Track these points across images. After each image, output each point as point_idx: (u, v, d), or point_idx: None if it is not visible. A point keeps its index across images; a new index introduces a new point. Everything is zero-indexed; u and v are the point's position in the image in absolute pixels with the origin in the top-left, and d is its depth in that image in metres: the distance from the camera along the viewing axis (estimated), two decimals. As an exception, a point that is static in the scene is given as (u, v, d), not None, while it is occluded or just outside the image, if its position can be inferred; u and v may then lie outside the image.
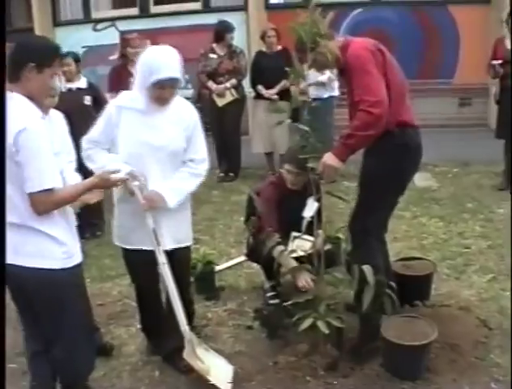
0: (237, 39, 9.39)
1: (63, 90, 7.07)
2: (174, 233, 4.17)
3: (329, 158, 4.02)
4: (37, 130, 3.22)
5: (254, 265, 5.95)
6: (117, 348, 4.70)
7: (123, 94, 4.14)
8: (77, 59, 7.23)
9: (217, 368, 4.04)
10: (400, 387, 3.92)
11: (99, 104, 7.21)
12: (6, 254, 3.34)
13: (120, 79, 7.67)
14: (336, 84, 8.33)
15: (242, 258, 6.17)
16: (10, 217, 3.31)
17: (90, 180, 3.58)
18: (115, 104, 4.10)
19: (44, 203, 3.27)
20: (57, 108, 6.79)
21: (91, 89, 7.25)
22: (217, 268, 5.77)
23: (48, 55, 3.38)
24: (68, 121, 6.81)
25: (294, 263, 4.62)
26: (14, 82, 3.31)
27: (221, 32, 8.71)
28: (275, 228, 4.80)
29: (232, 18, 9.60)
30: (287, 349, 4.43)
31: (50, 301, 3.45)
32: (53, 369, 3.72)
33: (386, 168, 4.14)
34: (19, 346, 4.40)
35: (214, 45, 8.78)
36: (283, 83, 8.60)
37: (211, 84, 8.77)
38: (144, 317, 4.54)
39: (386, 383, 3.97)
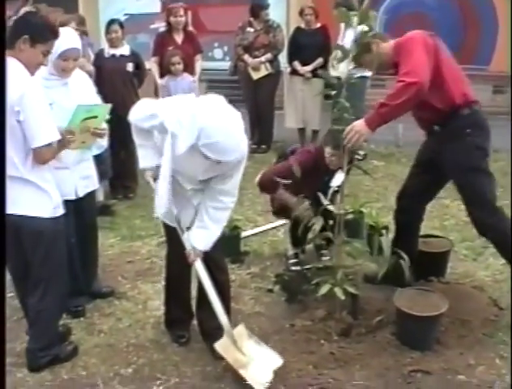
0: (277, 14, 9.49)
1: (106, 56, 7.30)
2: None
3: (358, 124, 4.14)
4: (36, 93, 3.65)
5: (279, 233, 6.18)
6: (142, 302, 4.96)
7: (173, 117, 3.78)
8: (122, 26, 7.42)
9: (261, 364, 3.94)
10: (409, 356, 4.09)
11: (140, 71, 7.46)
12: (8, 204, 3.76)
13: (163, 45, 7.88)
14: None
15: (268, 226, 6.38)
16: (9, 171, 3.72)
17: None
18: (162, 120, 3.82)
19: (44, 155, 3.77)
20: (100, 72, 7.06)
21: (134, 56, 7.43)
22: (243, 234, 5.97)
23: (43, 33, 3.71)
24: (110, 85, 7.09)
25: (294, 199, 4.77)
26: (11, 48, 3.66)
27: (256, 9, 8.82)
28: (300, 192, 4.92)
29: (274, -7, 9.69)
30: (304, 314, 4.61)
31: (38, 248, 3.89)
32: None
33: (471, 151, 4.29)
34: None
35: (251, 19, 8.89)
36: (319, 61, 8.72)
37: (246, 58, 8.90)
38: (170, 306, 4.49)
39: (395, 351, 4.14)
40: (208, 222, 3.96)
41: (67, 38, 4.40)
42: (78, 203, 4.66)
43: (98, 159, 6.24)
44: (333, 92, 4.40)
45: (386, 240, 4.31)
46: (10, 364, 4.14)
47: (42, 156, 3.75)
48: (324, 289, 4.25)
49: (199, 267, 4.03)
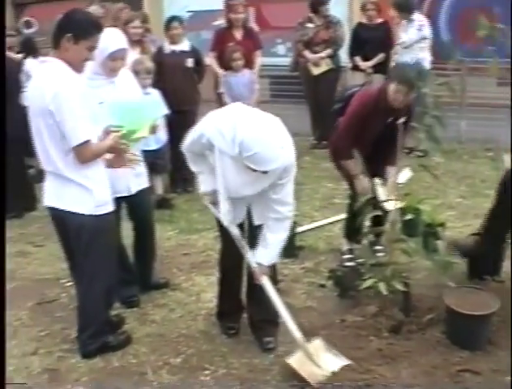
0: (339, 9, 9.45)
1: (167, 52, 7.41)
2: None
3: None
4: (69, 93, 3.69)
5: (335, 228, 6.17)
6: (195, 294, 5.05)
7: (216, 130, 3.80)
8: (181, 23, 7.51)
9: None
10: (458, 355, 4.04)
11: (200, 66, 7.56)
12: (51, 197, 3.94)
13: (222, 41, 7.95)
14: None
15: (324, 221, 6.38)
16: (47, 167, 3.88)
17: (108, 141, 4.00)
18: (208, 136, 3.84)
19: (83, 154, 3.82)
20: (160, 68, 7.18)
21: (194, 52, 7.52)
22: (299, 229, 5.98)
23: (86, 29, 3.78)
24: (171, 81, 7.20)
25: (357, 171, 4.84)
26: (56, 48, 3.78)
27: (316, 4, 8.78)
28: (351, 143, 5.02)
29: (335, -12, 9.63)
30: (355, 310, 4.61)
31: (80, 242, 3.97)
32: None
33: None
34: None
35: (311, 15, 8.84)
36: (381, 56, 8.65)
37: (307, 53, 8.86)
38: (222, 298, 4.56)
39: (444, 350, 4.10)
40: (270, 236, 3.98)
41: (115, 39, 4.51)
42: (133, 199, 4.77)
43: (157, 153, 6.39)
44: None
45: (442, 239, 4.26)
46: (64, 350, 4.31)
47: (81, 154, 3.81)
48: (367, 283, 4.26)
49: (267, 284, 4.06)
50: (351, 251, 5.41)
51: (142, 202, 4.89)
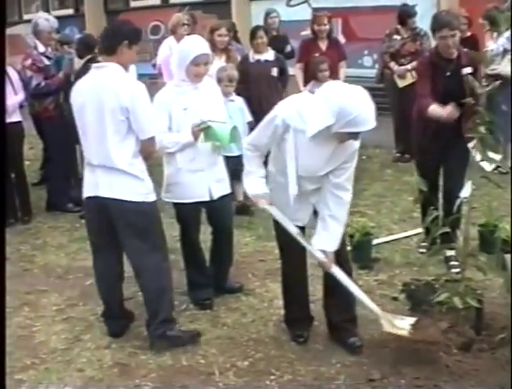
0: (426, 21, 9.31)
1: (252, 61, 7.53)
2: None
3: None
4: (144, 93, 4.21)
5: (412, 242, 6.11)
6: (268, 300, 5.10)
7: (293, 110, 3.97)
8: (266, 32, 7.62)
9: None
10: (528, 377, 3.94)
11: (283, 75, 7.65)
12: (102, 189, 4.26)
13: (308, 52, 8.01)
14: None
15: (402, 234, 6.34)
16: (98, 160, 4.24)
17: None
18: (283, 116, 3.97)
19: (149, 147, 4.32)
20: (245, 77, 7.29)
21: (278, 61, 7.64)
22: (375, 241, 5.96)
23: (136, 36, 4.40)
24: (256, 90, 7.34)
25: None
26: (110, 54, 4.27)
27: (403, 17, 8.72)
28: (429, 95, 5.17)
29: (423, 0, 9.54)
30: (427, 324, 4.56)
31: (136, 227, 4.26)
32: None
33: None
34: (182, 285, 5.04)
35: (398, 27, 8.80)
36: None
37: (392, 65, 8.82)
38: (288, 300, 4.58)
39: (514, 371, 4.01)
40: (331, 222, 4.05)
41: (197, 44, 4.66)
42: (213, 204, 4.87)
43: (239, 160, 6.46)
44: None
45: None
46: (136, 346, 4.46)
47: (148, 147, 4.30)
48: (441, 297, 4.21)
49: (336, 271, 4.14)
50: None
51: (223, 208, 4.97)
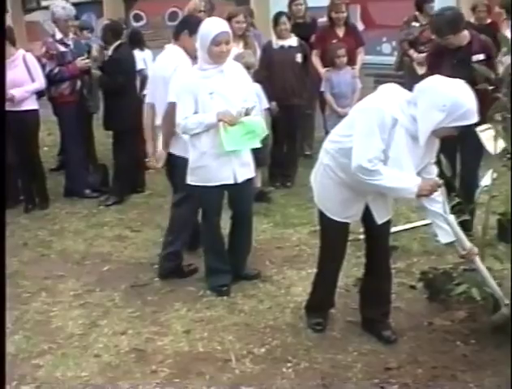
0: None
1: (275, 47, 7.50)
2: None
3: None
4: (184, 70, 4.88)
5: (430, 231, 6.06)
6: (285, 287, 5.09)
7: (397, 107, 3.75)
8: (289, 18, 7.59)
9: None
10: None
11: (306, 62, 7.63)
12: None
13: (325, 39, 7.96)
14: None
15: (420, 222, 6.28)
16: None
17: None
18: (393, 114, 3.70)
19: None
20: (269, 64, 7.28)
21: (302, 47, 7.60)
22: (393, 229, 5.90)
23: (196, 28, 4.77)
24: (281, 76, 7.38)
25: None
26: (176, 40, 5.24)
27: (420, 3, 8.63)
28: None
29: (441, -14, 9.40)
30: (444, 313, 4.53)
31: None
32: None
33: None
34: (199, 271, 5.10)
35: (417, 14, 8.69)
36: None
37: (412, 52, 8.71)
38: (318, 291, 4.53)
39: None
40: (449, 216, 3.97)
41: (216, 24, 4.66)
42: (236, 188, 4.85)
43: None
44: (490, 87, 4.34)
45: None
46: (152, 332, 4.48)
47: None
48: (460, 289, 4.18)
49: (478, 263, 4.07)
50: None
51: (245, 192, 4.97)
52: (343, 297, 4.79)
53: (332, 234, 4.22)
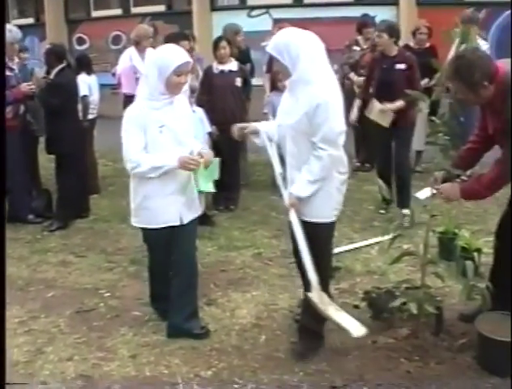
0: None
1: (215, 72, 7.57)
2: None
3: (454, 190, 4.35)
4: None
5: (373, 251, 6.19)
6: (230, 310, 5.12)
7: None
8: (229, 43, 7.67)
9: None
10: (488, 381, 4.00)
11: (247, 86, 7.73)
12: None
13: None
14: None
15: (362, 243, 6.40)
16: None
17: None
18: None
19: None
20: (209, 88, 7.34)
21: (242, 72, 7.69)
22: (336, 250, 6.00)
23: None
24: (221, 100, 7.45)
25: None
26: None
27: (360, 27, 8.85)
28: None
29: (384, 12, 9.68)
30: (388, 332, 4.62)
31: None
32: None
33: None
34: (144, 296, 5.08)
35: (358, 38, 8.93)
36: (427, 81, 8.64)
37: (352, 75, 8.92)
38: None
39: (474, 375, 4.07)
40: (304, 170, 4.16)
41: (179, 53, 4.36)
42: (182, 228, 4.57)
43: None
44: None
45: (471, 264, 4.29)
46: (99, 358, 4.46)
47: None
48: (397, 302, 4.39)
49: (293, 218, 4.20)
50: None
51: (190, 232, 4.69)
52: (288, 319, 4.86)
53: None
